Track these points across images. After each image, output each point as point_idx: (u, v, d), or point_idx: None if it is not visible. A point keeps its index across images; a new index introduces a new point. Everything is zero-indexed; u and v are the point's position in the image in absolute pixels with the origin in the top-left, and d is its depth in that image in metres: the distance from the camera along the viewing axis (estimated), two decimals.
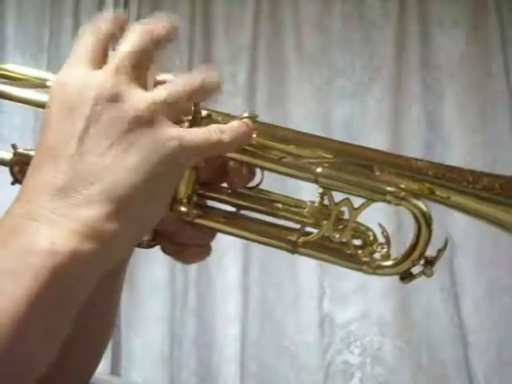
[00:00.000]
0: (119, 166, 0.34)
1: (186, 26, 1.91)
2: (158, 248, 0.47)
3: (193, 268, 1.82)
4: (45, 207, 0.33)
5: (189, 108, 0.40)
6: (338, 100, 1.85)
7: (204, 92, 0.39)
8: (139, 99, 0.36)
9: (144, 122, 0.35)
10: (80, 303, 0.34)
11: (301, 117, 1.83)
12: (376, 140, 1.79)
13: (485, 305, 1.73)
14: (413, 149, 1.80)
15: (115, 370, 1.83)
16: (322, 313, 1.79)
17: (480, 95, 1.81)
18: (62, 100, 0.36)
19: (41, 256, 0.31)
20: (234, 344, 1.77)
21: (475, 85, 1.81)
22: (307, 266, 1.76)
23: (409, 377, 1.75)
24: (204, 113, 0.42)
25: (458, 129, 1.79)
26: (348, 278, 1.76)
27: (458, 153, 1.78)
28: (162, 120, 0.36)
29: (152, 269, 1.81)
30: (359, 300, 1.78)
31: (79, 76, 0.36)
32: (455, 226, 1.73)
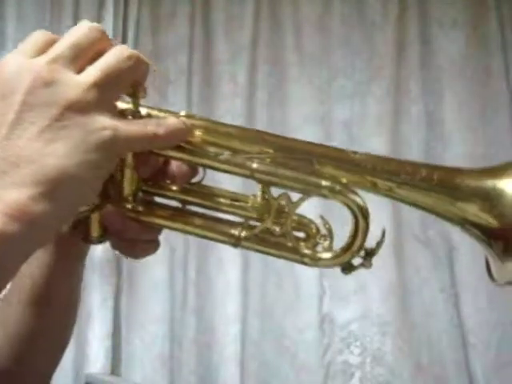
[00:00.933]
0: (50, 150, 0.34)
1: (186, 26, 1.91)
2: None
3: (193, 268, 1.82)
4: None
5: (124, 86, 0.40)
6: (338, 100, 1.85)
7: (136, 67, 0.39)
8: (74, 86, 0.36)
9: (77, 109, 0.35)
10: (7, 282, 0.35)
11: (301, 117, 1.83)
12: (376, 140, 1.79)
13: (485, 305, 1.73)
14: (413, 149, 1.80)
15: (115, 370, 1.83)
16: (322, 313, 1.79)
17: (480, 95, 1.81)
18: None
19: None
20: (234, 344, 1.77)
21: (475, 85, 1.81)
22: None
23: (409, 377, 1.75)
24: (144, 111, 0.42)
25: (458, 129, 1.79)
26: (348, 278, 1.75)
27: (458, 152, 1.78)
28: (96, 108, 0.36)
29: (152, 269, 1.81)
30: (359, 300, 1.78)
31: (16, 62, 0.36)
32: (455, 227, 1.73)
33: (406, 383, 1.76)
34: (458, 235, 1.75)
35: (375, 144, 1.79)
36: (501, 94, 1.80)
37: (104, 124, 0.36)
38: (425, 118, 1.82)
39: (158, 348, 1.82)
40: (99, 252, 1.77)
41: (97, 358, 1.77)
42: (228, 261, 1.79)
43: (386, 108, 1.82)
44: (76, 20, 1.88)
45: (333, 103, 1.85)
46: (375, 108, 1.83)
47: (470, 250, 1.74)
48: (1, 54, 1.89)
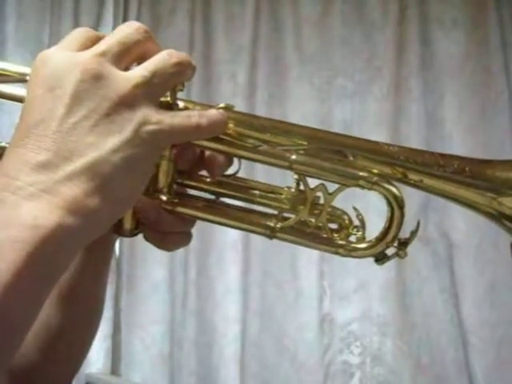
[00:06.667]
0: (100, 144, 0.35)
1: (185, 25, 1.91)
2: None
3: (193, 268, 1.82)
4: (25, 181, 0.33)
5: (169, 87, 0.41)
6: (338, 100, 1.85)
7: (182, 72, 0.40)
8: (122, 81, 0.36)
9: (126, 103, 0.36)
10: (61, 275, 0.35)
11: (301, 117, 1.83)
12: (376, 140, 1.79)
13: (485, 305, 1.73)
14: None
15: (115, 370, 1.83)
16: (322, 313, 1.79)
17: (480, 95, 1.81)
18: (45, 78, 0.36)
19: (23, 229, 0.32)
20: (234, 344, 1.77)
21: (475, 85, 1.81)
22: (307, 266, 1.76)
23: (409, 377, 1.75)
24: (181, 104, 0.43)
25: (458, 129, 1.79)
26: (348, 278, 1.76)
27: (458, 153, 1.76)
28: (143, 102, 0.37)
29: (152, 269, 1.81)
30: (359, 300, 1.78)
31: (62, 56, 0.37)
32: (454, 226, 1.73)
33: (406, 383, 1.76)
34: (457, 235, 1.75)
35: None
36: (501, 94, 1.80)
37: (150, 118, 0.37)
38: (425, 118, 1.82)
39: (157, 348, 1.82)
40: None
41: (97, 358, 1.77)
42: (228, 261, 1.79)
43: (386, 108, 1.82)
44: (76, 20, 1.88)
45: (333, 103, 1.85)
46: (375, 108, 1.83)
47: (469, 250, 1.74)
48: (1, 53, 1.89)
